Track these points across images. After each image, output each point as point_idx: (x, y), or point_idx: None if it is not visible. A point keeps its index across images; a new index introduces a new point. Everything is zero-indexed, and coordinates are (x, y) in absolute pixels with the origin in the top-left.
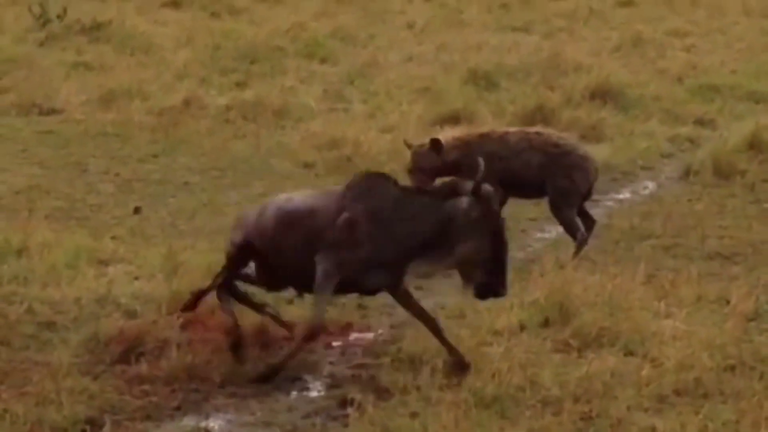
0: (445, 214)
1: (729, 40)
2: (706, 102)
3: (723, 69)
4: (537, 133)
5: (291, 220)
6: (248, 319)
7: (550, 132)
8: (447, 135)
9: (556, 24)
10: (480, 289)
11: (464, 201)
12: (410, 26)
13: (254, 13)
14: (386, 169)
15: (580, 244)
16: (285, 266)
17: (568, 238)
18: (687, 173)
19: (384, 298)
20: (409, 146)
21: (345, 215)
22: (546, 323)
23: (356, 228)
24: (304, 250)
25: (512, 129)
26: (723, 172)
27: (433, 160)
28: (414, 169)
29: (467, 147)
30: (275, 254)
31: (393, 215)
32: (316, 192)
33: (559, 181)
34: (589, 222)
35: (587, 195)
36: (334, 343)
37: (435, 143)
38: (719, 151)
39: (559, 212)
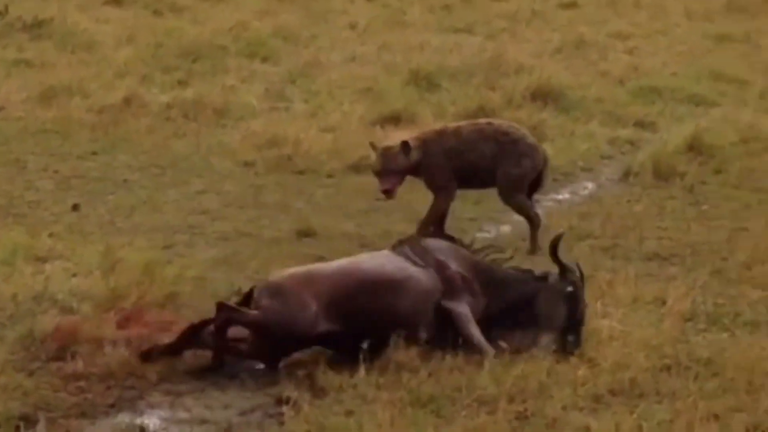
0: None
1: (671, 43)
2: (647, 104)
3: (664, 71)
4: (488, 123)
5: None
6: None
7: (500, 121)
8: (407, 136)
9: (499, 25)
10: (561, 346)
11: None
12: (352, 26)
13: (196, 12)
14: (326, 169)
15: (537, 228)
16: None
17: (508, 238)
18: (627, 175)
19: None
20: (374, 148)
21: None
22: None
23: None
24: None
25: (463, 123)
26: (662, 173)
27: (402, 161)
28: (382, 171)
29: (426, 145)
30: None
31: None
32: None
33: (510, 169)
34: (536, 221)
35: (537, 186)
36: None
37: (405, 145)
38: (659, 153)
39: (510, 198)
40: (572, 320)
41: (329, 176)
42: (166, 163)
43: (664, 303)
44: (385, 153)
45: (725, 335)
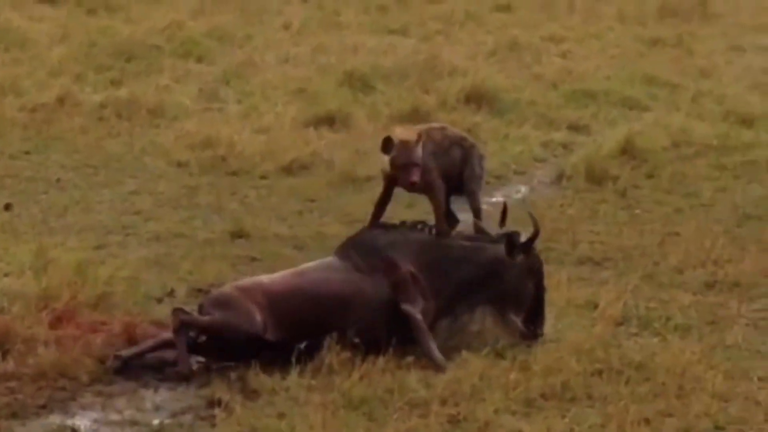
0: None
1: (604, 46)
2: (581, 107)
3: (597, 75)
4: (442, 128)
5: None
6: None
7: (448, 126)
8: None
9: (433, 27)
10: (523, 333)
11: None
12: (287, 27)
13: (131, 11)
14: (260, 170)
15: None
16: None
17: None
18: (560, 178)
19: None
20: (390, 143)
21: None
22: None
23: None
24: None
25: (424, 126)
26: (595, 177)
27: (420, 154)
28: (408, 164)
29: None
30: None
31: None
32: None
33: (476, 170)
34: (453, 222)
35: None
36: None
37: (419, 137)
38: (592, 156)
39: (475, 196)
40: (538, 298)
41: (263, 177)
42: (99, 162)
43: (596, 307)
44: (406, 146)
45: (656, 339)
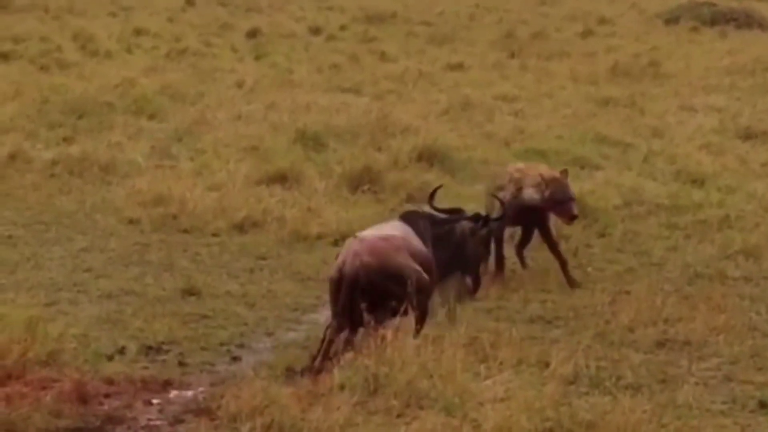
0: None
1: (556, 105)
2: None
3: (549, 134)
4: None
5: None
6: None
7: None
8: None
9: (386, 86)
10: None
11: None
12: (240, 85)
13: (83, 68)
14: (211, 228)
15: None
16: None
17: None
18: (512, 236)
19: (203, 356)
20: (545, 180)
21: None
22: (367, 384)
23: None
24: None
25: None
26: None
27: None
28: (562, 199)
29: None
30: None
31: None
32: None
33: None
34: None
35: None
36: (154, 401)
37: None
38: None
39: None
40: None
41: (214, 235)
42: (50, 219)
43: (547, 365)
44: (559, 182)
45: (607, 398)
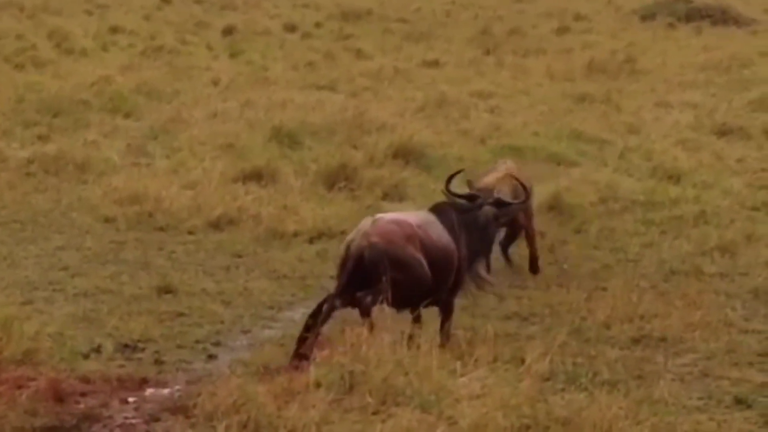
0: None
1: (532, 102)
2: None
3: (525, 130)
4: None
5: None
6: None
7: None
8: None
9: (361, 83)
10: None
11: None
12: (215, 83)
13: (59, 66)
14: (187, 225)
15: None
16: None
17: None
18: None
19: (179, 354)
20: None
21: None
22: (342, 381)
23: None
24: None
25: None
26: None
27: None
28: None
29: None
30: None
31: None
32: None
33: None
34: None
35: None
36: (130, 399)
37: None
38: None
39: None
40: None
41: (190, 233)
42: (26, 218)
43: (522, 362)
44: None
45: (583, 395)
